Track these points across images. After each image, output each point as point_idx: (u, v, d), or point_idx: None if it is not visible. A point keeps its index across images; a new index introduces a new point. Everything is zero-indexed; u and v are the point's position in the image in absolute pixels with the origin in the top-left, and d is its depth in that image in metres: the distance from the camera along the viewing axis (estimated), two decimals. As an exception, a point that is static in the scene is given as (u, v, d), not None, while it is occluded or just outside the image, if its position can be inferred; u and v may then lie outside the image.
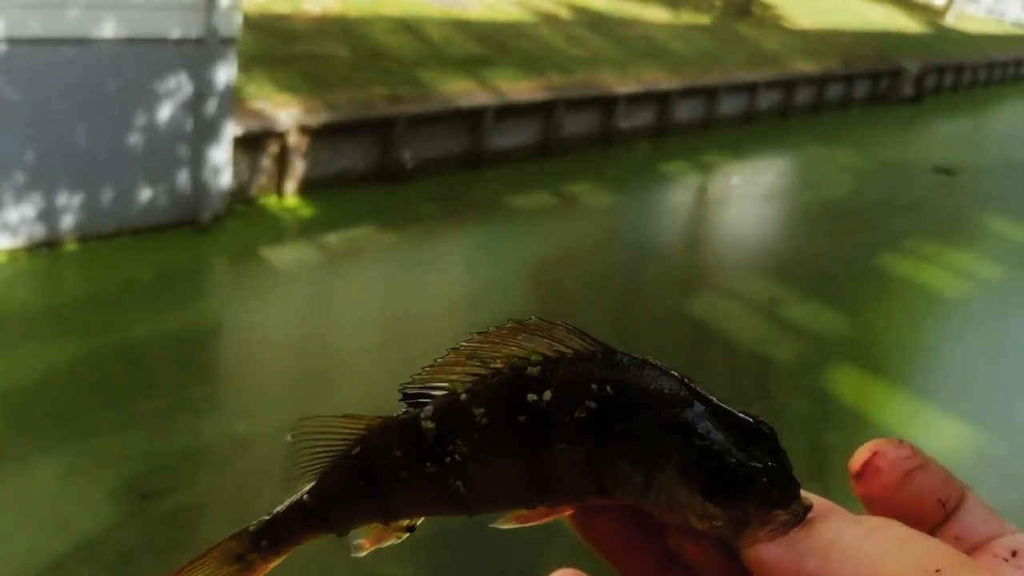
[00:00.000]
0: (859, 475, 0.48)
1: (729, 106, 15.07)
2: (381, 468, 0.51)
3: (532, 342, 0.49)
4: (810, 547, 0.43)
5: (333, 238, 8.51)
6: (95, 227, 7.45)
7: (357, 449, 0.52)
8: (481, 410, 0.49)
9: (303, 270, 7.93)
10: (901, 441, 0.48)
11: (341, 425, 0.53)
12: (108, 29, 7.05)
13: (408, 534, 0.54)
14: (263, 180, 8.82)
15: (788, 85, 16.56)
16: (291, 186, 8.90)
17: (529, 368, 0.49)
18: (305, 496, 0.53)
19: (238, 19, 7.83)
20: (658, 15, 17.44)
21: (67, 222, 7.31)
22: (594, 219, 10.44)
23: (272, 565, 0.55)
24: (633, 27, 15.94)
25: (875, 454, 0.47)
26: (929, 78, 20.99)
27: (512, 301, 7.69)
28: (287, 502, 0.54)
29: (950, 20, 28.74)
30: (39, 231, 7.18)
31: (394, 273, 8.16)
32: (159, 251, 7.60)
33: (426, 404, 0.51)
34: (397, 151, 9.71)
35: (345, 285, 7.97)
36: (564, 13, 15.48)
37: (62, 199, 7.24)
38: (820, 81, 17.52)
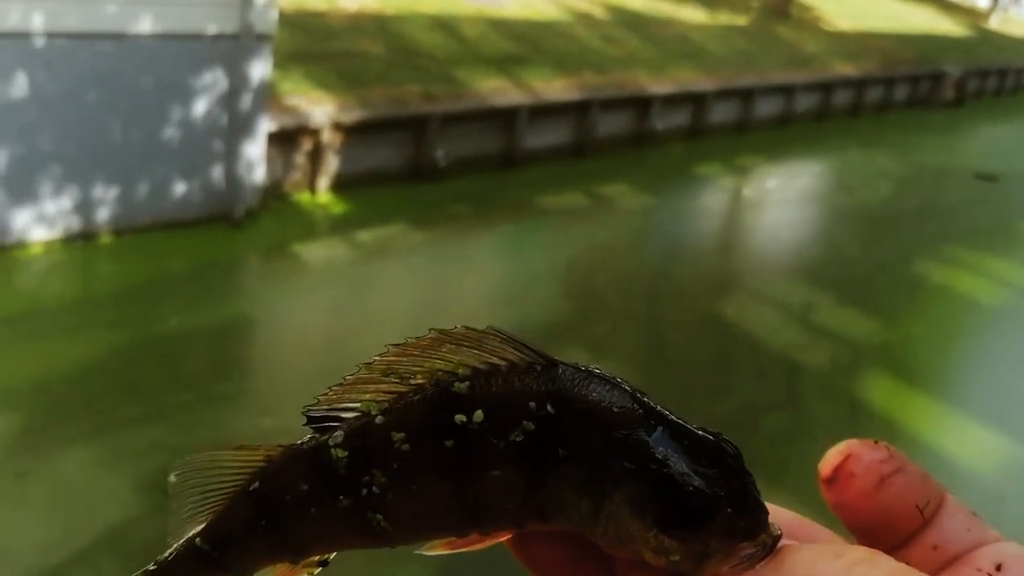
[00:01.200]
0: (830, 481, 0.44)
1: (765, 108, 14.92)
2: (285, 504, 0.46)
3: (459, 354, 0.43)
4: None
5: (365, 235, 8.53)
6: (130, 220, 7.52)
7: (256, 484, 0.47)
8: (401, 435, 0.43)
9: (334, 267, 7.96)
10: (876, 442, 0.45)
11: (234, 458, 0.48)
12: (145, 24, 7.11)
13: (320, 568, 0.49)
14: (296, 176, 8.85)
15: (826, 87, 16.36)
16: (324, 182, 8.93)
17: (456, 384, 0.43)
18: (197, 540, 0.47)
19: (274, 15, 7.87)
20: (694, 16, 17.31)
21: (102, 215, 7.38)
22: (627, 220, 10.38)
23: None
24: (669, 27, 15.83)
25: (848, 457, 0.44)
26: (971, 82, 20.65)
27: (543, 301, 7.66)
28: (175, 548, 0.48)
29: (994, 24, 28.27)
30: (75, 223, 7.26)
31: (425, 271, 8.16)
32: (192, 245, 7.66)
33: (335, 429, 0.45)
34: (430, 149, 9.71)
35: (376, 282, 7.98)
36: (599, 12, 15.40)
37: (98, 192, 7.31)
38: (859, 84, 17.29)
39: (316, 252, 8.15)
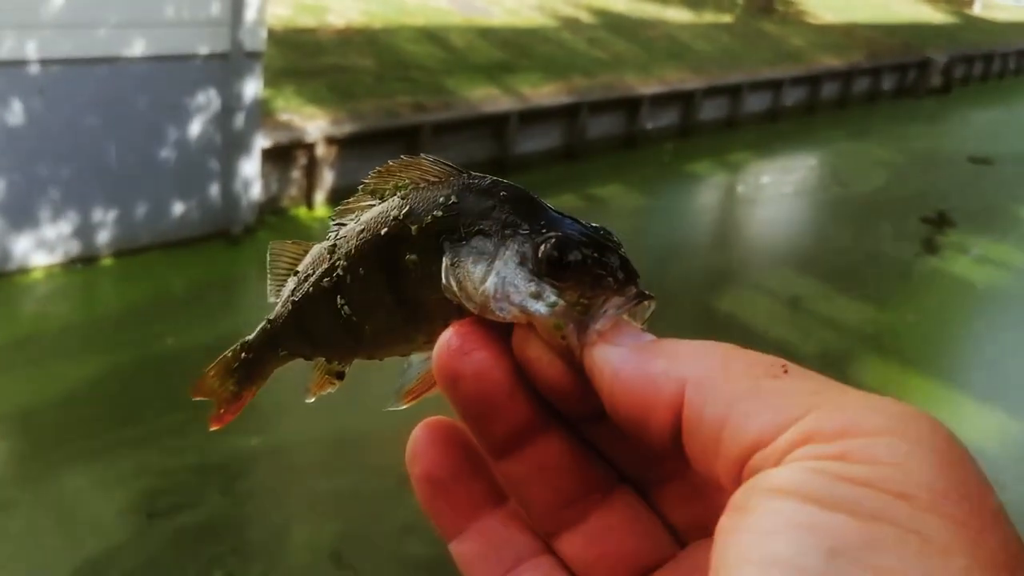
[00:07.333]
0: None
1: (754, 104, 15.01)
2: (303, 281, 0.59)
3: (408, 172, 0.55)
4: (658, 350, 0.40)
5: (362, 247, 8.58)
6: (129, 242, 7.59)
7: (297, 267, 0.61)
8: (361, 227, 0.55)
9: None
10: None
11: (291, 249, 0.62)
12: (137, 47, 7.19)
13: (340, 381, 0.61)
14: (292, 191, 8.93)
15: (813, 81, 16.46)
16: (320, 196, 9.00)
17: (398, 192, 0.55)
18: (266, 321, 0.64)
19: (263, 34, 7.94)
20: (679, 15, 17.41)
21: (102, 238, 7.45)
22: (621, 221, 10.44)
23: (255, 389, 0.68)
24: (655, 28, 15.93)
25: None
26: (957, 68, 20.75)
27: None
28: (257, 329, 0.65)
29: (977, 10, 28.40)
30: (75, 247, 7.33)
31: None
32: (192, 264, 7.71)
33: (339, 229, 0.58)
34: (423, 159, 9.77)
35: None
36: (585, 16, 15.50)
37: (97, 215, 7.38)
38: (846, 75, 17.38)
39: (315, 265, 8.19)
